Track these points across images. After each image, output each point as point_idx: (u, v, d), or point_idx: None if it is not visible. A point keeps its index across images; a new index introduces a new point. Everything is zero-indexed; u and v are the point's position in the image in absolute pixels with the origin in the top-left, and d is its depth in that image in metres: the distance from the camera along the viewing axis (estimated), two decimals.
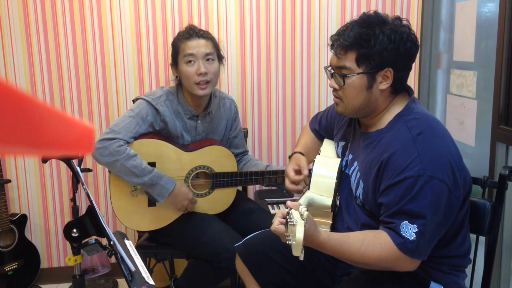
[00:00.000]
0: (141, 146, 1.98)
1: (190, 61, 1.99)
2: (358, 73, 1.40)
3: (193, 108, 2.08)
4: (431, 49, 2.70)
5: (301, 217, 1.18)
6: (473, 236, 1.53)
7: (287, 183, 1.74)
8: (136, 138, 1.99)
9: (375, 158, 1.41)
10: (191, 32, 2.04)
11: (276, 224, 1.32)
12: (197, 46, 2.00)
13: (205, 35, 2.05)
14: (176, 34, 2.63)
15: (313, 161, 1.68)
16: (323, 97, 2.79)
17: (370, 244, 1.32)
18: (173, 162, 2.04)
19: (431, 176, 1.29)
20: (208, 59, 2.01)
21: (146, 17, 2.62)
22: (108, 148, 1.90)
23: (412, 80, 2.78)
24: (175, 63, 2.07)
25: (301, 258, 1.16)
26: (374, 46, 1.37)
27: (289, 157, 1.84)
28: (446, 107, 2.52)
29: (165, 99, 2.04)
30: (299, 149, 1.83)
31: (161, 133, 2.05)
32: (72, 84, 2.65)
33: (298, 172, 1.73)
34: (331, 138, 1.80)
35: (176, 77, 2.09)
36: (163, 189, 1.96)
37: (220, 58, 2.09)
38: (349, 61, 1.40)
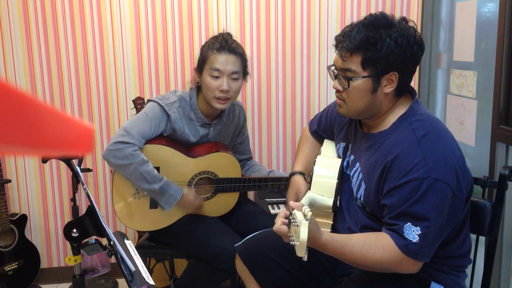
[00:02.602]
0: (146, 152, 1.97)
1: (215, 76, 1.96)
2: (363, 77, 1.39)
3: (204, 117, 2.06)
4: (431, 49, 2.70)
5: (305, 218, 1.18)
6: (473, 236, 1.53)
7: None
8: None
9: (378, 160, 1.40)
10: (224, 44, 1.98)
11: (279, 224, 1.31)
12: (226, 62, 1.95)
13: (236, 50, 1.99)
14: (176, 34, 2.63)
15: (314, 162, 1.68)
16: (323, 97, 2.79)
17: (372, 246, 1.31)
18: (177, 167, 2.03)
19: (436, 179, 1.28)
20: (233, 78, 1.97)
21: (146, 17, 2.62)
22: (124, 151, 1.89)
23: (412, 80, 2.78)
24: (200, 69, 2.02)
25: (305, 258, 1.16)
26: (381, 50, 1.35)
27: (289, 178, 1.82)
28: (446, 107, 2.52)
29: (178, 105, 2.01)
30: (299, 167, 1.80)
31: (168, 137, 2.04)
32: (72, 84, 2.65)
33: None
34: (331, 138, 1.79)
35: (198, 82, 2.05)
36: (170, 198, 1.95)
37: (245, 74, 2.06)
38: (355, 64, 1.38)
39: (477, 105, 2.21)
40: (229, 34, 2.05)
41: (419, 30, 2.74)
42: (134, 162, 1.89)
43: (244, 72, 2.05)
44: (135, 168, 1.89)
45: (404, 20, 1.43)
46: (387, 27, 1.37)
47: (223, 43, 1.98)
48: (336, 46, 1.44)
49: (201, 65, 2.02)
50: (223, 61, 1.95)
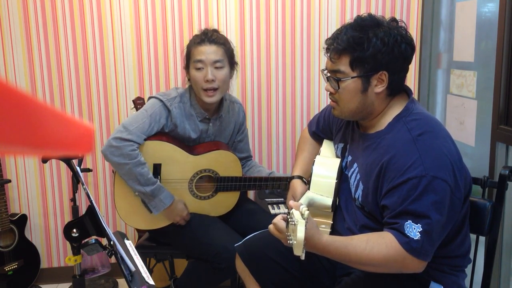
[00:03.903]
0: (148, 147, 1.98)
1: (199, 67, 2.00)
2: (352, 77, 1.40)
3: (204, 111, 2.09)
4: (431, 49, 2.70)
5: (302, 217, 1.19)
6: (473, 236, 1.53)
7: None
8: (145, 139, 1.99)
9: (375, 160, 1.41)
10: (203, 37, 2.03)
11: (274, 225, 1.32)
12: (207, 52, 2.00)
13: (217, 40, 2.03)
14: (176, 34, 2.64)
15: (313, 162, 1.68)
16: (323, 97, 2.79)
17: (376, 244, 1.31)
18: (178, 164, 2.04)
19: (434, 177, 1.28)
20: (216, 67, 2.00)
21: (146, 17, 2.62)
22: (122, 149, 1.90)
23: (412, 80, 2.79)
24: (187, 66, 2.08)
25: (303, 257, 1.17)
26: (368, 49, 1.36)
27: (288, 182, 1.84)
28: (446, 107, 2.52)
29: (179, 101, 2.04)
30: (298, 171, 1.82)
31: (170, 134, 2.06)
32: (72, 84, 2.65)
33: None
34: (330, 139, 1.80)
35: (189, 79, 2.09)
36: (160, 203, 1.97)
37: (232, 65, 2.08)
38: (343, 65, 1.41)
39: (477, 105, 2.21)
40: (214, 30, 2.09)
41: (419, 30, 2.74)
42: (130, 162, 1.91)
43: (230, 62, 2.07)
44: (130, 168, 1.91)
45: (393, 20, 1.44)
46: (374, 27, 1.39)
47: (203, 36, 2.04)
48: (327, 49, 1.46)
49: (187, 62, 2.07)
50: (204, 51, 2.00)
